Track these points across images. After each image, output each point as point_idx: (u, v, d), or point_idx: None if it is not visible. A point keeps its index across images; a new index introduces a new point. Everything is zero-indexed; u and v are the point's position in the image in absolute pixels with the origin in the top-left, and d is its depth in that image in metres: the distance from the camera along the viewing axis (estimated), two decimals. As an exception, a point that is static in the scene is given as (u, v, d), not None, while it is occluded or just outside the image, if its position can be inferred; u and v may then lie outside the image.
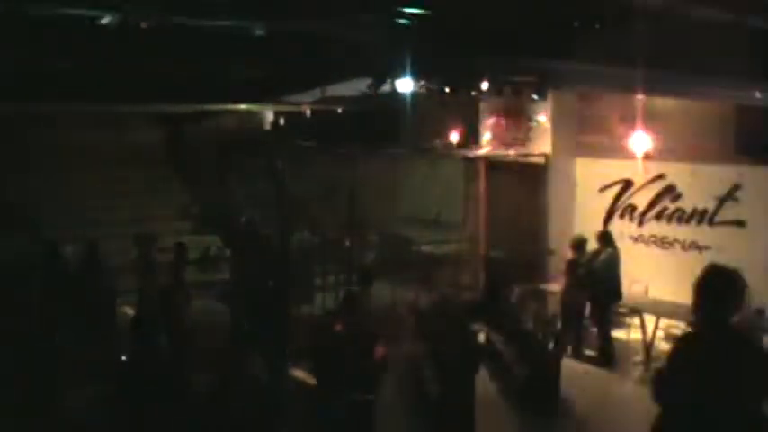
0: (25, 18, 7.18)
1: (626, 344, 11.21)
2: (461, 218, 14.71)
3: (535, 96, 11.04)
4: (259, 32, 7.67)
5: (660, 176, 12.06)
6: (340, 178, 14.50)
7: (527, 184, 13.39)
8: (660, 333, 10.79)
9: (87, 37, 7.94)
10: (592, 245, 11.23)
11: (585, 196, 12.95)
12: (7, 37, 8.19)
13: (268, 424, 6.93)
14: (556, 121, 13.11)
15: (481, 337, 8.08)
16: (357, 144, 14.09)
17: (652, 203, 12.16)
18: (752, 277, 9.54)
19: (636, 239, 12.29)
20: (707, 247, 11.46)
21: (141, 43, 8.25)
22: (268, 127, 17.92)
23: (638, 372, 10.41)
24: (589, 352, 10.87)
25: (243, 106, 14.87)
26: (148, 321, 7.42)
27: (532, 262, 12.47)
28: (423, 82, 10.06)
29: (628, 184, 12.47)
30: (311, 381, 8.38)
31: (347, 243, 13.98)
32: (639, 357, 10.73)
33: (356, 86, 11.69)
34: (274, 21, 7.59)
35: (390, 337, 7.84)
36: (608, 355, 10.72)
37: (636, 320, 11.09)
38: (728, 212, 11.25)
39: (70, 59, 9.78)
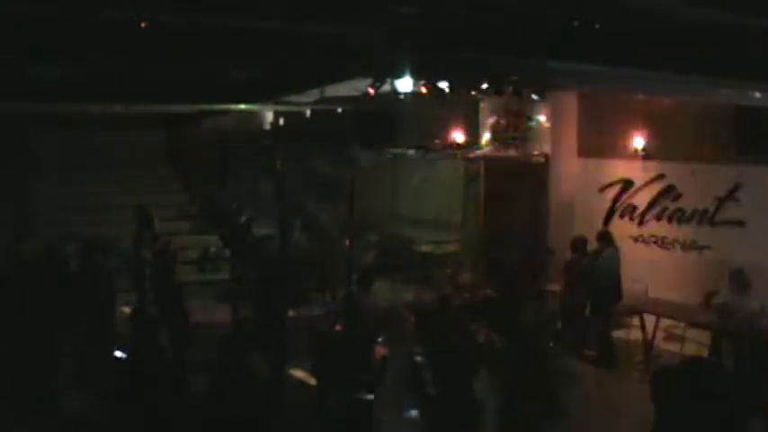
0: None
1: (626, 344, 11.19)
2: (461, 218, 14.69)
3: (535, 96, 11.04)
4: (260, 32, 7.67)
5: (660, 176, 12.05)
6: (340, 178, 14.47)
7: (527, 184, 13.38)
8: (660, 333, 10.78)
9: (87, 36, 7.94)
10: (592, 244, 11.22)
11: (586, 196, 12.94)
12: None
13: (268, 423, 6.91)
14: (556, 121, 13.11)
15: (481, 338, 8.07)
16: (356, 144, 14.07)
17: (652, 203, 12.15)
18: (752, 277, 9.57)
19: (636, 239, 12.28)
20: (707, 247, 11.46)
21: (140, 43, 8.24)
22: (268, 127, 17.89)
23: (638, 372, 10.39)
24: (589, 352, 10.85)
25: (243, 106, 14.84)
26: (147, 320, 7.41)
27: (532, 262, 12.46)
28: (422, 81, 10.05)
29: (628, 183, 12.47)
30: (311, 381, 8.37)
31: (347, 243, 13.96)
32: (640, 357, 10.72)
33: (356, 86, 11.68)
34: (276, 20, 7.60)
35: (390, 338, 7.83)
36: (608, 355, 10.71)
37: (636, 320, 11.07)
38: (729, 212, 11.24)
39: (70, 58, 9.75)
